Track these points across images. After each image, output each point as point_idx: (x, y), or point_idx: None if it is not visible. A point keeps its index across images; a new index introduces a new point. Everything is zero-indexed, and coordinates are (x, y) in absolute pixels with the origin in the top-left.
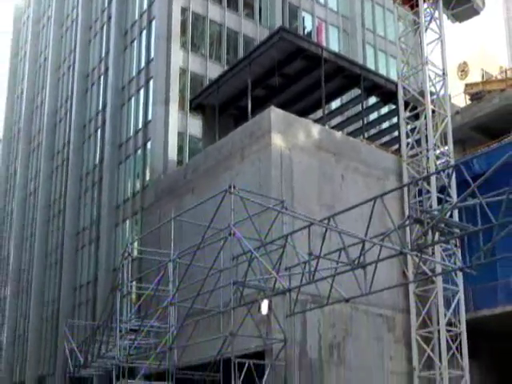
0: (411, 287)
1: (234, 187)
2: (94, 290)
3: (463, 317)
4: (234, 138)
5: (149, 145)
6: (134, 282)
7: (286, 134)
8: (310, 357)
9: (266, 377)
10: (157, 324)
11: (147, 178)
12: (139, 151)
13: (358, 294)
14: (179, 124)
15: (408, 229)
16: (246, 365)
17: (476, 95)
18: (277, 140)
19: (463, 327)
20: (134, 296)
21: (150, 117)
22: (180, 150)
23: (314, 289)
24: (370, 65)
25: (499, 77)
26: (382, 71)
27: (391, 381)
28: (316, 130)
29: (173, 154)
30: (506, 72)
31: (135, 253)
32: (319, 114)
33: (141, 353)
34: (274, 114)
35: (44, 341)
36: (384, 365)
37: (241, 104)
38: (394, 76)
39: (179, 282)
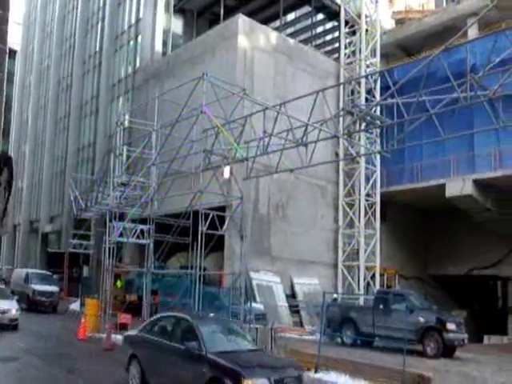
0: (341, 164)
1: (207, 75)
2: (93, 151)
3: (378, 190)
4: (208, 37)
5: (139, 38)
6: (125, 146)
7: (249, 37)
8: (261, 212)
9: (225, 225)
10: (142, 180)
11: (137, 64)
12: (131, 42)
13: (300, 166)
14: (164, 23)
15: (341, 118)
16: (211, 215)
17: (400, 21)
18: (242, 41)
19: (378, 198)
20: (124, 157)
21: (141, 15)
22: (164, 43)
23: (266, 160)
24: None
25: (418, 8)
26: None
27: (321, 234)
28: (274, 36)
29: (158, 46)
30: (423, 6)
31: (126, 123)
32: (277, 24)
33: (128, 202)
34: (242, 20)
35: (54, 189)
36: (317, 222)
37: (215, 11)
38: None
39: (160, 147)
